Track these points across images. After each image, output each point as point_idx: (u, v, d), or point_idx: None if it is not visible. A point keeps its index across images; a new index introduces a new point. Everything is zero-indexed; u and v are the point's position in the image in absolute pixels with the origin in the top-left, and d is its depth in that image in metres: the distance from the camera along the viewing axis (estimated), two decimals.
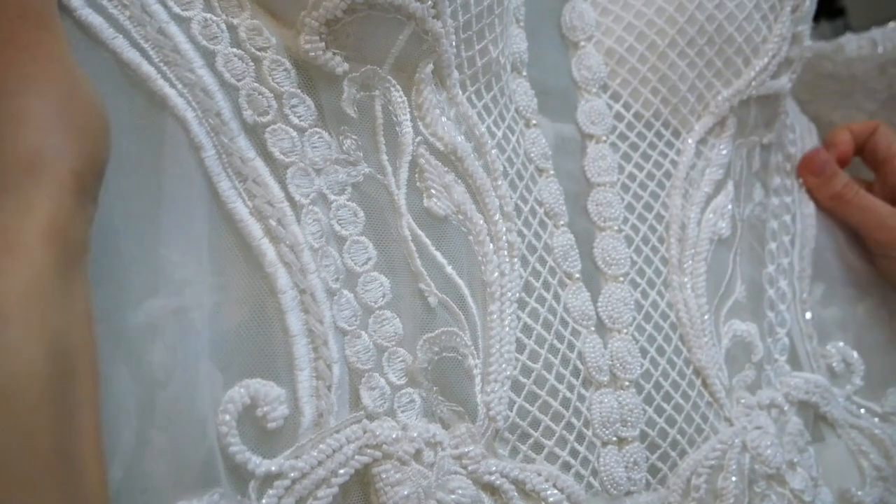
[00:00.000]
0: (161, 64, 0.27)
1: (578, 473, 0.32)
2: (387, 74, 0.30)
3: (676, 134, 0.40)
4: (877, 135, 0.47)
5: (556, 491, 0.31)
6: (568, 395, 0.33)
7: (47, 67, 0.24)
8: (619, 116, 0.40)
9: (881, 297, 0.45)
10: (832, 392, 0.42)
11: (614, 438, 0.34)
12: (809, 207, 0.45)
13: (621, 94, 0.40)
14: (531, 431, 0.32)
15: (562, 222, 0.36)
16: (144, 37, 0.27)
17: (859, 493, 0.40)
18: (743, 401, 0.38)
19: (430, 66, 0.31)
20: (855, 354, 0.44)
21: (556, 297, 0.34)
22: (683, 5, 0.39)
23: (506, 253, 0.32)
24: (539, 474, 0.31)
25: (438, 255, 0.31)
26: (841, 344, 0.44)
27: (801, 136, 0.47)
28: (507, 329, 0.31)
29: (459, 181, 0.32)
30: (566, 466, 0.32)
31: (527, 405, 0.32)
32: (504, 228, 0.33)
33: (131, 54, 0.27)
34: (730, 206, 0.41)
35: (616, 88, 0.40)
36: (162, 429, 0.24)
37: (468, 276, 0.31)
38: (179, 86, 0.27)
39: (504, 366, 0.31)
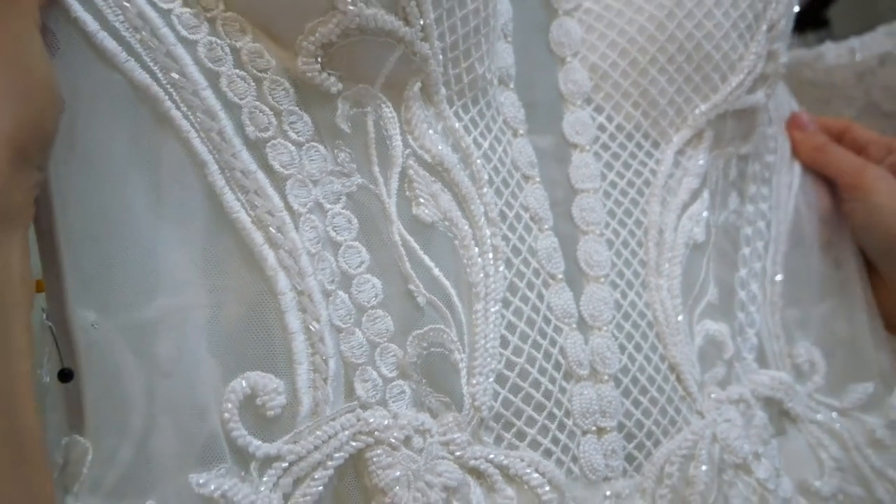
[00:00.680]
0: (168, 86, 0.29)
1: (559, 460, 0.35)
2: (378, 92, 0.33)
3: (656, 145, 0.42)
4: (853, 129, 0.51)
5: (537, 475, 0.33)
6: (550, 387, 0.35)
7: (8, 44, 0.26)
8: (601, 127, 0.42)
9: (840, 299, 0.48)
10: (795, 389, 0.44)
11: (594, 428, 0.36)
12: (785, 211, 0.48)
13: (604, 106, 0.42)
14: (514, 420, 0.34)
15: (546, 226, 0.38)
16: (153, 60, 0.29)
17: (817, 483, 0.42)
18: (714, 395, 0.40)
19: (419, 84, 0.34)
20: (818, 354, 0.46)
21: (540, 296, 0.36)
22: (664, 24, 0.41)
23: (490, 256, 0.35)
24: (522, 460, 0.33)
25: (426, 258, 0.33)
26: (807, 344, 0.46)
27: (782, 144, 0.49)
28: (492, 326, 0.34)
29: (446, 190, 0.34)
30: (548, 453, 0.34)
31: (510, 396, 0.34)
32: (489, 233, 0.35)
33: (142, 76, 0.29)
34: (705, 214, 0.43)
35: (599, 101, 0.42)
36: (167, 413, 0.27)
37: (454, 278, 0.34)
38: (184, 108, 0.30)
39: (489, 360, 0.33)
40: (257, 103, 0.31)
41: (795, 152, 0.49)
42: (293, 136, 0.32)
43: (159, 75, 0.29)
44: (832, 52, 0.58)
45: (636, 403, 0.38)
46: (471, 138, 0.36)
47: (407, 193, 0.34)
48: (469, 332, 0.34)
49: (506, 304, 0.35)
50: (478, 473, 0.32)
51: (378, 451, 0.30)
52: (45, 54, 0.27)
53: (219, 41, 0.31)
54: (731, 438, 0.39)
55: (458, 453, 0.32)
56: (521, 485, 0.33)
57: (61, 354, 0.27)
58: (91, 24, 0.28)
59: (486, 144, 0.37)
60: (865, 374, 0.47)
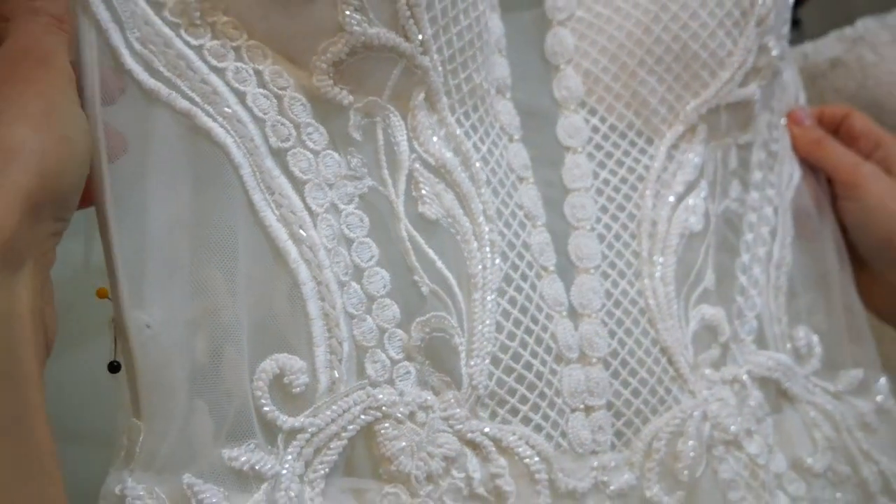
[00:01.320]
0: (205, 105, 0.33)
1: (548, 434, 0.38)
2: (385, 103, 0.37)
3: (649, 142, 0.45)
4: (852, 117, 0.53)
5: (527, 447, 0.37)
6: (541, 368, 0.39)
7: (33, 101, 0.28)
8: (595, 129, 0.44)
9: (821, 292, 0.50)
10: (794, 370, 0.46)
11: (582, 406, 0.40)
12: (786, 201, 0.49)
13: (597, 109, 0.45)
14: (508, 398, 0.38)
15: (539, 223, 0.41)
16: (191, 88, 0.33)
17: (810, 459, 0.45)
18: (707, 376, 0.43)
19: (422, 94, 0.37)
20: (816, 338, 0.48)
21: (533, 286, 0.40)
22: (650, 28, 0.43)
23: (488, 250, 0.38)
24: (514, 434, 0.37)
25: (430, 251, 0.37)
26: (806, 328, 0.48)
27: (784, 134, 0.50)
28: (488, 313, 0.37)
29: (449, 190, 0.38)
30: (538, 428, 0.38)
31: (504, 376, 0.37)
32: (487, 229, 0.38)
33: (183, 104, 0.33)
34: (702, 204, 0.45)
35: (593, 104, 0.45)
36: (203, 396, 0.31)
37: (456, 270, 0.37)
38: (220, 119, 0.33)
39: (485, 343, 0.37)
40: (279, 117, 0.35)
41: (794, 147, 0.51)
42: (311, 145, 0.35)
43: (197, 99, 0.33)
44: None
45: (625, 384, 0.41)
46: (471, 143, 0.39)
47: (413, 194, 0.37)
48: (468, 318, 0.37)
49: (501, 293, 0.38)
50: (474, 445, 0.36)
51: (386, 425, 0.34)
52: (74, 110, 0.29)
53: (244, 66, 0.34)
54: (721, 416, 0.42)
55: (457, 427, 0.36)
56: (512, 456, 0.37)
57: (116, 350, 0.32)
58: (141, 73, 0.32)
59: (484, 148, 0.40)
60: (842, 365, 0.49)
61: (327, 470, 0.33)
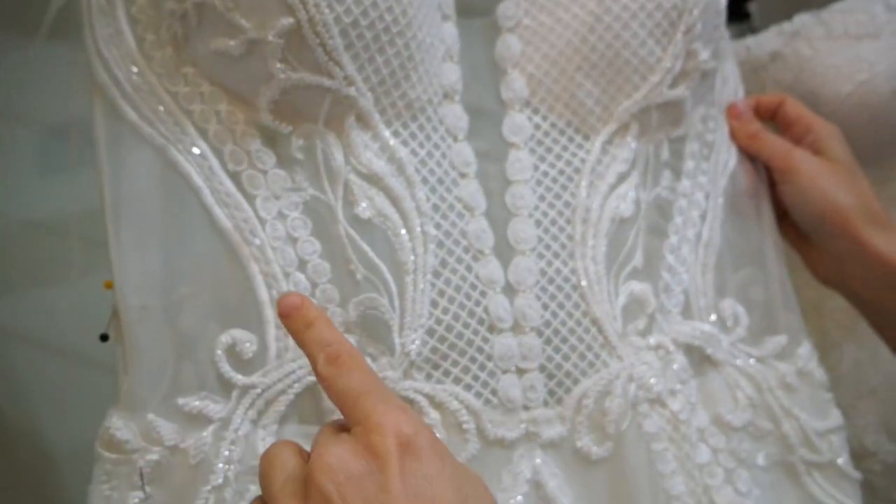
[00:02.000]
0: (176, 143, 0.44)
1: (478, 392, 0.45)
2: (321, 128, 0.45)
3: (586, 138, 0.50)
4: (786, 104, 0.56)
5: (457, 402, 0.44)
6: (472, 337, 0.46)
7: None
8: (537, 126, 0.50)
9: (757, 267, 0.54)
10: (718, 338, 0.51)
11: (514, 368, 0.46)
12: (719, 186, 0.54)
13: (540, 108, 0.50)
14: (441, 363, 0.45)
15: (478, 212, 0.48)
16: (166, 128, 0.44)
17: (729, 416, 0.49)
18: (634, 343, 0.48)
19: (353, 117, 0.45)
20: (741, 309, 0.52)
21: (469, 268, 0.47)
22: (587, 38, 0.49)
23: (420, 240, 0.46)
24: (445, 391, 0.44)
25: (364, 245, 0.45)
26: (731, 300, 0.52)
27: (722, 125, 0.55)
28: (420, 293, 0.45)
29: (381, 193, 0.45)
30: (468, 387, 0.45)
31: (438, 345, 0.45)
32: (419, 222, 0.46)
33: (159, 141, 0.44)
34: (633, 192, 0.50)
35: (536, 104, 0.50)
36: (175, 361, 0.42)
37: (388, 258, 0.45)
38: (186, 154, 0.44)
39: (417, 318, 0.45)
40: (234, 147, 0.44)
41: (733, 139, 0.55)
42: (260, 166, 0.45)
43: (171, 138, 0.44)
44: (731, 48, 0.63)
45: (556, 350, 0.47)
46: (408, 149, 0.46)
47: (349, 199, 0.45)
48: (399, 298, 0.45)
49: (436, 275, 0.46)
50: (409, 401, 0.44)
51: None
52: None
53: (206, 107, 0.44)
54: (646, 378, 0.47)
55: (392, 386, 0.44)
56: (443, 410, 0.44)
57: (109, 325, 0.43)
58: (138, 121, 0.44)
59: (423, 152, 0.47)
60: (777, 332, 0.53)
61: (278, 417, 0.42)
